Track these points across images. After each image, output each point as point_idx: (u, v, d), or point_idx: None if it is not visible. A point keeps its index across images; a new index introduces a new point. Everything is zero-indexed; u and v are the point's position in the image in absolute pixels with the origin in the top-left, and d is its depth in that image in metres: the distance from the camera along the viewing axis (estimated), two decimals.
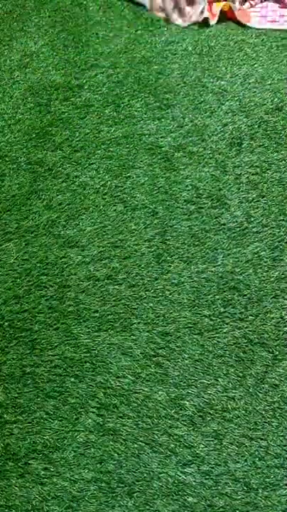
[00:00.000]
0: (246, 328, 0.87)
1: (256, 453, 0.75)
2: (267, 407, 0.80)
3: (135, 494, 0.74)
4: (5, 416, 0.82)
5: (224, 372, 0.84)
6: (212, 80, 1.22)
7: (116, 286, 0.94)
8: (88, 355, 0.87)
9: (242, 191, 1.04)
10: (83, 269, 0.96)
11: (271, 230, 0.97)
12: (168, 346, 0.87)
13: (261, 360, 0.84)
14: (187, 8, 1.37)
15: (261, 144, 1.10)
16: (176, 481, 0.74)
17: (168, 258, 0.96)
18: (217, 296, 0.91)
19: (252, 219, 0.99)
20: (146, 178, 1.07)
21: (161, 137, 1.13)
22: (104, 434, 0.80)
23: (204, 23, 1.35)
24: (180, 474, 0.74)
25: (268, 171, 1.06)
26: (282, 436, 0.76)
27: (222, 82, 1.22)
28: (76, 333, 0.89)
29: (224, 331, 0.87)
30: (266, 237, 0.97)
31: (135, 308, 0.91)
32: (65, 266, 0.97)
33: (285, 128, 1.12)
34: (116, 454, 0.78)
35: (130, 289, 0.93)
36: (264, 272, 0.93)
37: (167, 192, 1.05)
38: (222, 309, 0.90)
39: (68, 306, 0.92)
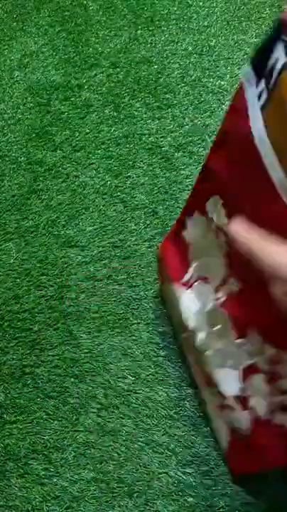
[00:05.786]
0: None
1: None
2: None
3: (135, 494, 0.74)
4: (5, 416, 0.82)
5: None
6: (212, 80, 1.22)
7: (116, 286, 0.94)
8: (88, 355, 0.87)
9: None
10: (83, 269, 0.96)
11: None
12: (168, 346, 0.87)
13: None
14: None
15: None
16: (176, 481, 0.74)
17: None
18: None
19: None
20: (146, 178, 1.07)
21: (161, 137, 1.13)
22: (104, 434, 0.80)
23: None
24: (180, 474, 0.74)
25: None
26: None
27: (222, 82, 1.22)
28: (76, 333, 0.89)
29: None
30: None
31: (135, 309, 0.91)
32: (65, 266, 0.97)
33: None
34: (116, 454, 0.78)
35: (130, 289, 0.93)
36: None
37: (167, 192, 1.05)
38: None
39: (68, 306, 0.92)
